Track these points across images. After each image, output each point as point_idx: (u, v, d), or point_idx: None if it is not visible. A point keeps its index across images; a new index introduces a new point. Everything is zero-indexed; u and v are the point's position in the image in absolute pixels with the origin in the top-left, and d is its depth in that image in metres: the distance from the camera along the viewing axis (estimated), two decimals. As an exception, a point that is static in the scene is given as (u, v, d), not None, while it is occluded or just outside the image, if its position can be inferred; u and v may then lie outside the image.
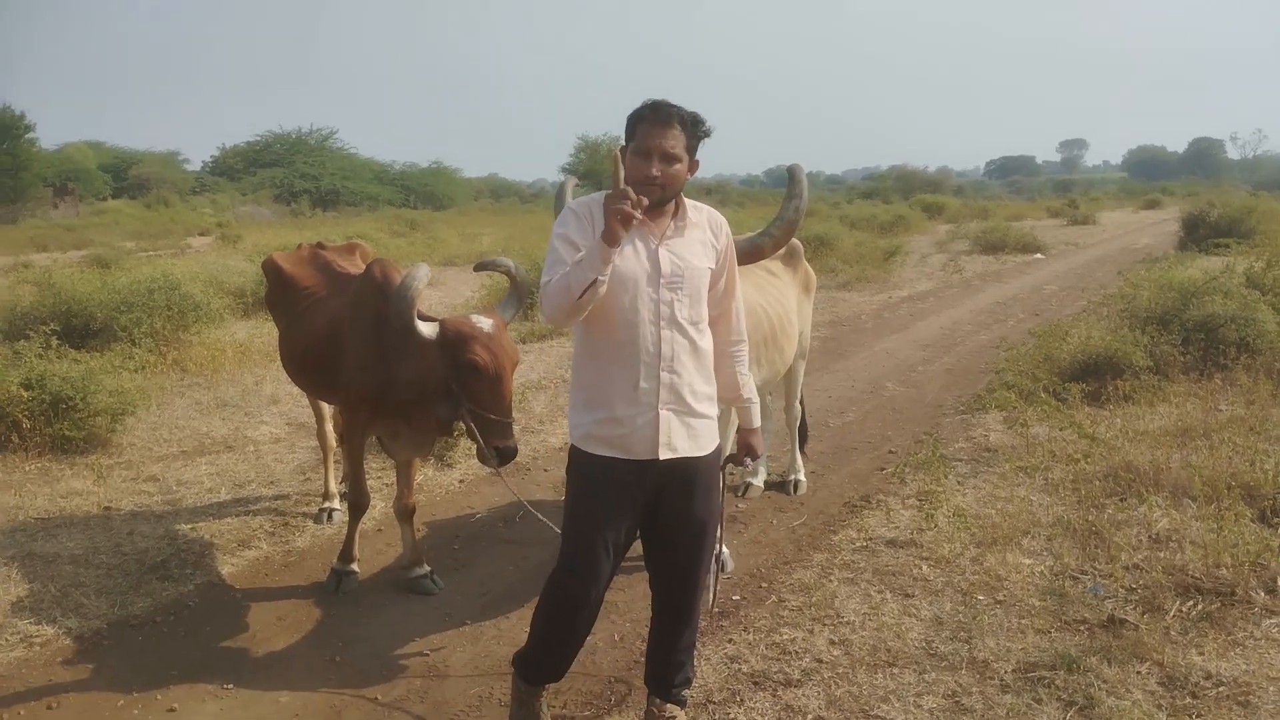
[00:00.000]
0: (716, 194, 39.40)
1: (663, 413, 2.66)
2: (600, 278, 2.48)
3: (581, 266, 2.50)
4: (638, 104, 2.65)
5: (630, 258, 2.62)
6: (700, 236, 2.73)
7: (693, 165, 2.65)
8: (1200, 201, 19.81)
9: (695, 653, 3.05)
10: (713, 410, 2.80)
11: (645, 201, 2.47)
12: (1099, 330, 7.99)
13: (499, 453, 3.51)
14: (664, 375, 2.65)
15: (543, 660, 2.93)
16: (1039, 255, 18.87)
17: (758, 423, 3.01)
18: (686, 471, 2.73)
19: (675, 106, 2.60)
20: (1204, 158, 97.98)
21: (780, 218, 3.82)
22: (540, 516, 3.92)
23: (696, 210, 2.76)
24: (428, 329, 3.56)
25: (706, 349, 2.76)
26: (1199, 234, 16.72)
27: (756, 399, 3.01)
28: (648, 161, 2.55)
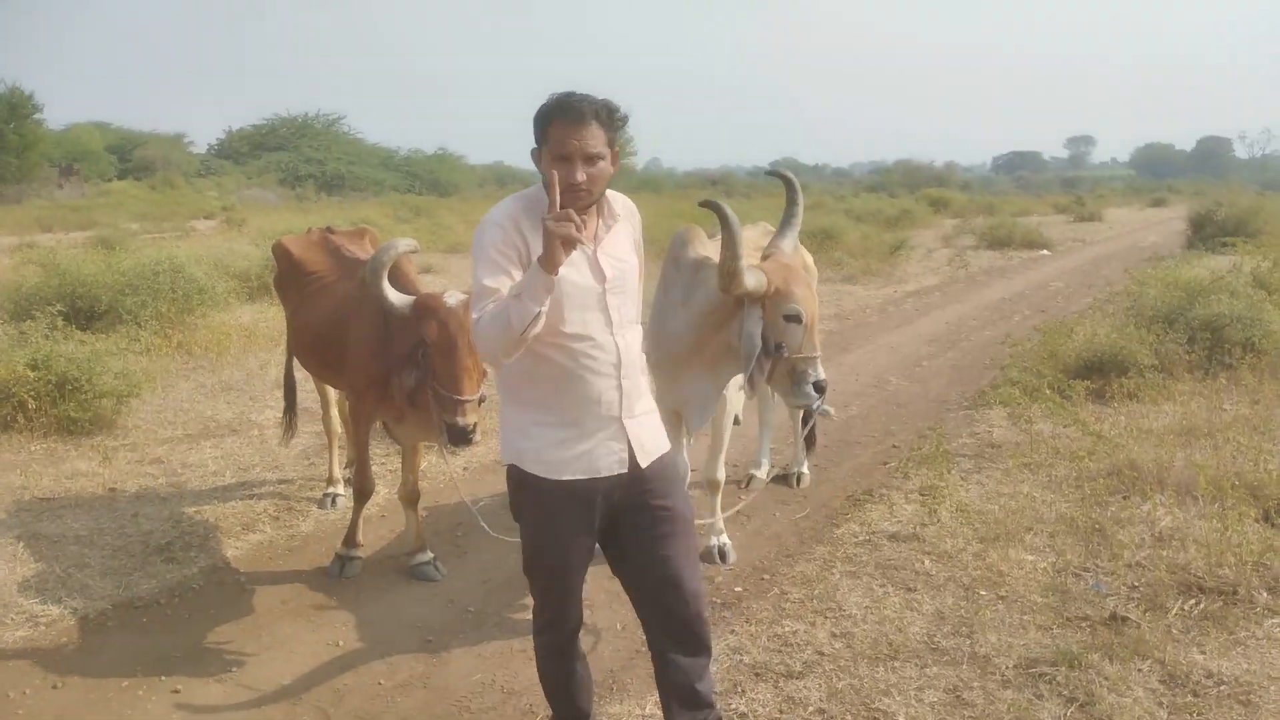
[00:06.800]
0: (721, 185, 39.30)
1: (628, 422, 2.48)
2: (542, 309, 2.21)
3: (521, 300, 2.20)
4: (632, 98, 2.53)
5: (572, 268, 2.35)
6: (625, 230, 2.57)
7: (614, 158, 2.39)
8: (1207, 200, 19.75)
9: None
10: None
11: (580, 220, 2.21)
12: (1104, 328, 7.96)
13: (448, 430, 3.49)
14: (625, 383, 2.46)
15: (566, 709, 2.73)
16: (1045, 252, 18.81)
17: None
18: (661, 468, 2.56)
19: (588, 99, 2.35)
20: (1212, 156, 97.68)
21: (792, 220, 3.63)
22: (486, 527, 3.61)
23: (616, 201, 2.55)
24: (397, 299, 3.59)
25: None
26: (1206, 233, 16.73)
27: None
28: (570, 167, 2.30)
